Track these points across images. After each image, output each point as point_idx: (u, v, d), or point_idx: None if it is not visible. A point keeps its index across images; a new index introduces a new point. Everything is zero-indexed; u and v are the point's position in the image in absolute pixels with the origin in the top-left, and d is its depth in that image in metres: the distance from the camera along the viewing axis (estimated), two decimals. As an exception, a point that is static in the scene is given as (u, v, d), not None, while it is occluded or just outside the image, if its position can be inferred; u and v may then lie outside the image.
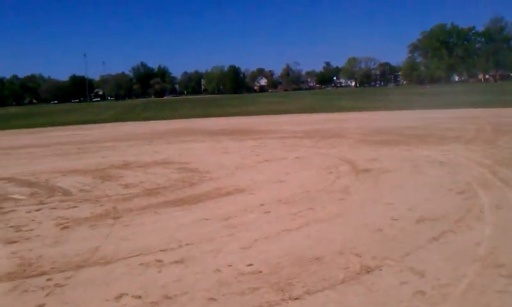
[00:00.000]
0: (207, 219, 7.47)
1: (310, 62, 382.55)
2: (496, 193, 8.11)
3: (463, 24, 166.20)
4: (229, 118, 38.01)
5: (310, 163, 12.60)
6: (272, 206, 8.06)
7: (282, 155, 14.27)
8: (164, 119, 40.96)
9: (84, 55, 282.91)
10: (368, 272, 5.00)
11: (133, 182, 11.01)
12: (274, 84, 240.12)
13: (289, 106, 52.53)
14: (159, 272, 5.38)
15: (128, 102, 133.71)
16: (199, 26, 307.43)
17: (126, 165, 13.64)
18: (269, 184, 10.11)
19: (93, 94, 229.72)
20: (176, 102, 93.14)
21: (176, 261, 5.67)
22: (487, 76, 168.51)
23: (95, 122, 40.21)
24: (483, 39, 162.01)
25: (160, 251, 6.07)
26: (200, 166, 12.81)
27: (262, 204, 8.21)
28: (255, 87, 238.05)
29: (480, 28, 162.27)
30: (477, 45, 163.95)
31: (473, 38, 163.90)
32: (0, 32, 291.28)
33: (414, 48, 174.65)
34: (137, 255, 5.93)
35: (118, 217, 7.86)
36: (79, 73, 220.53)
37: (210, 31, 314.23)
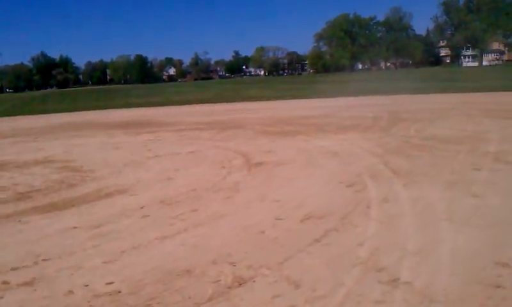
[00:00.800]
0: (75, 228, 6.67)
1: (219, 52, 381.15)
2: (384, 185, 7.91)
3: (365, 14, 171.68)
4: (131, 109, 36.59)
5: (203, 158, 12.01)
6: (153, 209, 7.38)
7: (176, 150, 13.56)
8: (64, 112, 38.79)
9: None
10: (240, 284, 4.48)
11: (5, 185, 9.90)
12: (183, 74, 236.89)
13: (195, 96, 51.66)
14: (1, 297, 4.57)
15: (28, 94, 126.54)
16: (103, 14, 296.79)
17: (2, 166, 12.39)
18: (155, 183, 9.40)
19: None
20: (79, 93, 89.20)
21: (25, 283, 4.86)
22: (388, 64, 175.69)
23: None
24: (384, 29, 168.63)
25: (12, 269, 5.23)
26: (85, 164, 11.85)
27: (142, 207, 7.51)
28: (164, 77, 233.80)
29: (381, 18, 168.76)
30: (378, 34, 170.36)
31: (374, 27, 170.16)
32: None
33: (319, 37, 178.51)
34: (-20, 277, 5.06)
35: (-27, 229, 6.86)
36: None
37: (116, 18, 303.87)
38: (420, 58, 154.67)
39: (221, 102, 38.24)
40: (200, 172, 10.20)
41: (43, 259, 5.46)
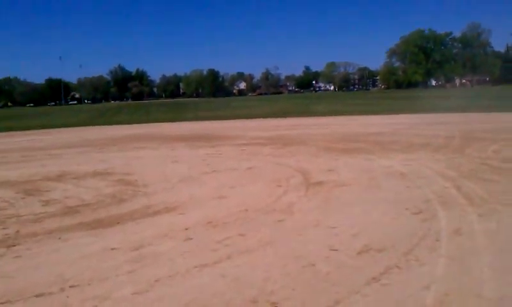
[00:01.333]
0: (114, 249, 6.26)
1: (290, 67, 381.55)
2: (457, 214, 7.02)
3: (441, 30, 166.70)
4: (198, 122, 36.79)
5: (260, 174, 11.44)
6: (198, 231, 6.86)
7: (234, 165, 13.08)
8: (135, 123, 39.69)
9: (60, 58, 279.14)
10: (279, 331, 3.84)
11: (57, 198, 9.72)
12: (253, 88, 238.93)
13: (263, 110, 51.47)
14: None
15: (104, 105, 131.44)
16: (179, 29, 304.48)
17: (60, 177, 12.33)
18: (206, 201, 8.91)
19: (69, 97, 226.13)
20: (151, 106, 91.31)
21: (46, 313, 4.44)
22: (463, 81, 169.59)
23: (61, 126, 38.62)
24: (460, 45, 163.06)
25: (35, 296, 4.84)
26: (141, 178, 11.59)
27: (186, 229, 7.01)
28: (234, 91, 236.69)
29: (457, 34, 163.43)
30: (454, 51, 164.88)
31: (450, 43, 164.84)
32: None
33: (392, 53, 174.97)
34: (1, 303, 4.68)
35: (13, 245, 6.60)
36: (56, 76, 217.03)
37: (190, 34, 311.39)
38: (498, 75, 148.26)
39: (287, 117, 37.74)
40: (255, 190, 9.62)
41: (71, 286, 5.04)
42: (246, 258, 5.63)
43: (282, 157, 14.40)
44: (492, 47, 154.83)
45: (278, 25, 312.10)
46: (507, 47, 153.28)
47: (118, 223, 7.56)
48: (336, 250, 5.70)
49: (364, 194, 8.70)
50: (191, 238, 6.52)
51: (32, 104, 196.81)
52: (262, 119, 37.07)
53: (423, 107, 39.36)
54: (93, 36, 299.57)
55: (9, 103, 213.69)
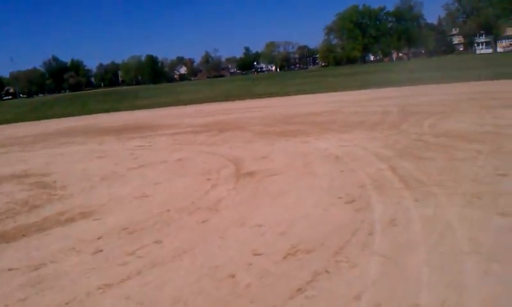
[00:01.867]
0: (12, 269, 5.42)
1: (230, 49, 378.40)
2: (392, 200, 6.52)
3: (375, 5, 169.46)
4: (135, 112, 35.60)
5: (190, 167, 10.71)
6: (111, 241, 6.09)
7: (164, 157, 12.28)
8: (70, 116, 38.00)
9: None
10: None
11: (-39, 209, 8.68)
12: (194, 72, 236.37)
13: (204, 94, 50.56)
14: None
15: (39, 98, 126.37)
16: (112, 16, 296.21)
17: (-29, 183, 11.20)
18: (127, 202, 8.11)
19: (3, 92, 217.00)
20: (88, 96, 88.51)
21: None
22: (400, 54, 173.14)
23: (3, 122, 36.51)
24: (394, 19, 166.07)
25: None
26: (60, 179, 10.65)
27: (99, 238, 6.22)
28: (175, 76, 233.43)
29: (391, 8, 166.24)
30: (389, 25, 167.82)
31: (384, 17, 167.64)
32: None
33: (330, 30, 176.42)
34: None
35: None
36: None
37: (126, 20, 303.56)
38: (432, 47, 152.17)
39: (228, 100, 37.11)
40: (182, 186, 8.89)
41: None
42: (158, 272, 4.92)
43: (216, 145, 13.70)
44: (425, 20, 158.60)
45: (215, 5, 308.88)
46: (439, 19, 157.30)
47: (24, 236, 6.68)
48: (261, 254, 5.07)
49: (297, 183, 8.11)
50: (101, 251, 5.75)
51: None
52: (202, 104, 36.25)
53: (362, 83, 39.52)
54: (23, 27, 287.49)
55: None
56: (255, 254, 5.09)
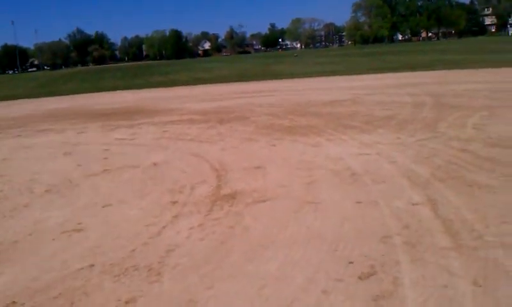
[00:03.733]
0: None
1: (256, 25, 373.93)
2: (436, 280, 3.95)
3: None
4: (146, 90, 33.20)
5: (163, 177, 8.22)
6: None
7: (139, 159, 9.85)
8: (81, 92, 35.75)
9: (12, 23, 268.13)
10: None
11: None
12: (218, 48, 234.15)
13: (222, 72, 47.93)
14: None
15: (59, 71, 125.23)
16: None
17: None
18: (49, 239, 5.70)
19: (28, 64, 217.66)
20: (107, 71, 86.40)
21: None
22: (429, 34, 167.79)
23: (8, 98, 34.41)
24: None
25: None
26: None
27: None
28: (199, 52, 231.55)
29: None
30: (419, 3, 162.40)
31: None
32: None
33: (358, 7, 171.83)
34: None
35: None
36: (12, 42, 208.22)
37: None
38: (463, 27, 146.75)
39: (244, 81, 34.30)
40: (134, 213, 6.41)
41: None
42: None
43: (208, 142, 11.20)
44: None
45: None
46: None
47: None
48: None
49: (290, 225, 5.52)
50: None
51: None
52: (214, 84, 33.61)
53: (389, 64, 36.49)
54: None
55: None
56: None
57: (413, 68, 31.79)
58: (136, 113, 18.16)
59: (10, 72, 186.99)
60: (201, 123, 14.34)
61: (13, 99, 34.19)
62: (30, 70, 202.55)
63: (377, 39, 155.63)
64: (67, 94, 35.23)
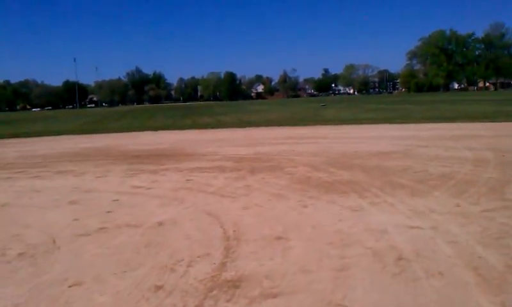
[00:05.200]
0: None
1: (309, 70, 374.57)
2: None
3: (463, 30, 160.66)
4: (190, 131, 32.05)
5: (161, 244, 6.67)
6: None
7: (145, 215, 8.39)
8: (126, 130, 35.09)
9: (74, 60, 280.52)
10: None
11: None
12: (271, 91, 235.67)
13: (269, 116, 46.61)
14: None
15: (114, 109, 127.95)
16: (196, 32, 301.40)
17: None
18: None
19: (88, 100, 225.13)
20: (159, 110, 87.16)
21: None
22: (487, 84, 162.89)
23: (50, 134, 34.16)
24: (483, 46, 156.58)
25: None
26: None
27: None
28: (252, 94, 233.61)
29: (480, 34, 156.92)
30: (476, 52, 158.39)
31: (472, 44, 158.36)
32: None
33: (412, 55, 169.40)
34: None
35: None
36: (73, 78, 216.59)
37: (208, 37, 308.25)
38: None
39: (291, 125, 32.68)
40: (102, 303, 4.84)
41: None
42: None
43: (230, 196, 9.64)
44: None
45: (296, 27, 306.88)
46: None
47: None
48: None
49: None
50: None
51: (50, 107, 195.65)
52: (259, 127, 32.20)
53: (445, 113, 34.26)
54: (108, 38, 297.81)
55: (27, 106, 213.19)
56: None
57: (470, 118, 29.50)
58: (167, 156, 16.86)
59: (69, 107, 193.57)
60: (231, 171, 12.82)
61: (58, 134, 33.86)
62: (89, 105, 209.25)
63: (432, 88, 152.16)
64: (113, 132, 34.60)
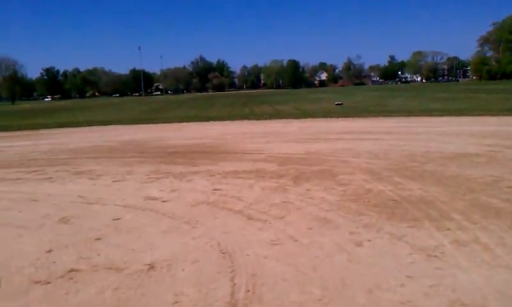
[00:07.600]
0: None
1: (374, 57, 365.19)
2: None
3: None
4: (243, 122, 29.84)
5: (157, 286, 4.41)
6: None
7: (137, 250, 6.21)
8: (179, 121, 33.34)
9: (139, 48, 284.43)
10: None
11: None
12: (334, 79, 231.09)
13: (330, 105, 43.65)
14: None
15: (175, 96, 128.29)
16: (259, 20, 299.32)
17: None
18: None
19: (154, 88, 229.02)
20: (219, 98, 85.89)
21: None
22: None
23: (103, 123, 33.14)
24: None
25: None
26: None
27: None
28: (315, 82, 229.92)
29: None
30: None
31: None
32: (63, 28, 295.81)
33: (484, 41, 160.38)
34: None
35: None
36: (139, 67, 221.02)
37: (271, 24, 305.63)
38: None
39: (351, 116, 29.81)
40: None
41: None
42: None
43: (260, 219, 7.29)
44: None
45: (360, 12, 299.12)
46: None
47: None
48: None
49: None
50: None
51: (118, 94, 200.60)
52: (317, 118, 29.50)
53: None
54: (173, 27, 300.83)
55: (96, 93, 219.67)
56: None
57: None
58: (204, 154, 14.70)
59: (136, 94, 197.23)
60: (270, 178, 10.44)
61: (109, 124, 32.66)
62: (154, 93, 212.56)
63: (506, 75, 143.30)
64: (166, 122, 32.97)
